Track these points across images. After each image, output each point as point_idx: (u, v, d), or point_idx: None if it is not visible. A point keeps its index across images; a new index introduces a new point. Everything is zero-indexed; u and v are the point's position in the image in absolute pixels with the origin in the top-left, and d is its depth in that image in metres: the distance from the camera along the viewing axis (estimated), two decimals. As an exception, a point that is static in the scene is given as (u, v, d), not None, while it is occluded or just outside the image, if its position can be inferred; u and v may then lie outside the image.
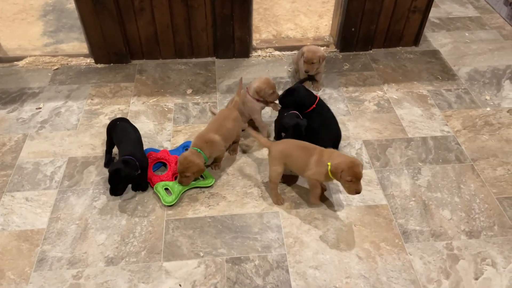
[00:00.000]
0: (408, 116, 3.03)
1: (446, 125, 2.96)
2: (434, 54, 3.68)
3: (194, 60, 3.57)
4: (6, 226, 2.29)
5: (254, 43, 3.67)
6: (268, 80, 2.71)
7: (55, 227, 2.29)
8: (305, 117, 2.63)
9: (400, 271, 2.14)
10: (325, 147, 2.44)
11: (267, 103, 2.78)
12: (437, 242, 2.26)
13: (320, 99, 2.70)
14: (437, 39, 3.88)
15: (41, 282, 2.06)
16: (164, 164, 2.64)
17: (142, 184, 2.46)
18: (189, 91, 3.24)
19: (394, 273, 2.13)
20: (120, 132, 2.50)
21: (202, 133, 2.50)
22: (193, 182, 2.48)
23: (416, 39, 3.72)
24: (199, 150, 2.40)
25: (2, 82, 3.28)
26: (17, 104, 3.08)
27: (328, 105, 2.79)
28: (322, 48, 3.69)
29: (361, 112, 3.06)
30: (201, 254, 2.19)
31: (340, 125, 2.90)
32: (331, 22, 3.84)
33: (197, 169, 2.36)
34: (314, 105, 2.66)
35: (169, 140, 2.83)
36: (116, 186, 2.27)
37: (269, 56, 3.63)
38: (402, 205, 2.44)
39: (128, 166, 2.27)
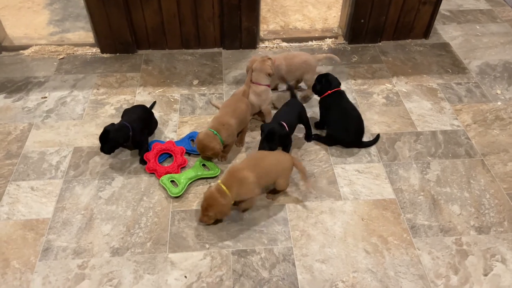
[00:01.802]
0: (418, 110, 2.99)
1: (456, 119, 2.91)
2: (444, 47, 3.62)
3: (200, 50, 3.53)
4: (12, 215, 2.28)
5: (261, 34, 3.62)
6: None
7: (61, 217, 2.28)
8: (324, 106, 2.72)
9: (408, 266, 2.11)
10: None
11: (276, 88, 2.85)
12: (446, 238, 2.22)
13: (341, 91, 2.72)
14: (447, 31, 3.81)
15: (46, 272, 2.05)
16: (170, 156, 2.62)
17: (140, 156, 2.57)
18: (195, 82, 3.20)
19: (402, 268, 2.10)
20: (132, 109, 2.66)
21: (218, 116, 2.53)
22: (198, 173, 2.46)
23: (426, 32, 3.65)
24: (215, 132, 2.41)
25: (8, 71, 3.26)
26: (23, 93, 3.06)
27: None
28: (330, 39, 3.65)
29: (369, 105, 3.02)
30: (207, 246, 2.18)
31: (348, 118, 2.87)
32: (339, 13, 3.79)
33: (214, 151, 2.40)
34: (330, 92, 2.69)
35: (175, 131, 2.80)
36: (103, 145, 2.40)
37: (276, 47, 3.58)
38: (411, 200, 2.41)
39: (119, 131, 2.40)
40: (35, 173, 2.51)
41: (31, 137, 2.72)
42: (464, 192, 2.45)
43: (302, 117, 2.65)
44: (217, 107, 2.93)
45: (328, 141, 2.72)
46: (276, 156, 2.31)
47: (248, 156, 2.39)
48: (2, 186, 2.43)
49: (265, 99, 2.78)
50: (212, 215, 2.16)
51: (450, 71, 3.35)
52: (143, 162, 2.54)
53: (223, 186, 2.13)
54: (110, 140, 2.39)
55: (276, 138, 2.39)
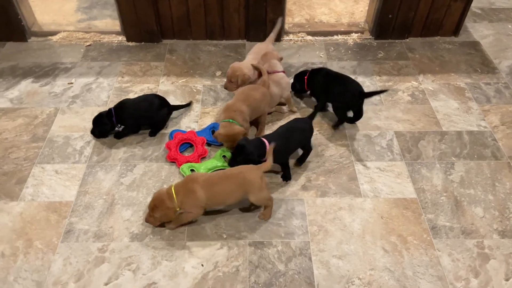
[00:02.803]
0: (444, 109, 2.92)
1: (483, 120, 2.84)
2: (474, 45, 3.52)
3: (224, 42, 3.53)
4: (36, 197, 2.35)
5: (286, 26, 3.59)
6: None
7: (83, 201, 2.33)
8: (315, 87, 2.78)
9: (427, 266, 2.07)
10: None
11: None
12: (467, 240, 2.18)
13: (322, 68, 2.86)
14: (478, 30, 3.70)
15: (67, 253, 2.10)
16: (191, 145, 2.64)
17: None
18: (218, 73, 3.21)
19: (420, 268, 2.07)
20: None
21: (229, 104, 2.54)
22: (218, 164, 2.47)
23: (456, 29, 3.56)
24: (231, 120, 2.43)
25: (36, 56, 3.33)
26: (50, 78, 3.12)
27: None
28: (355, 34, 3.59)
29: (394, 102, 2.97)
30: (224, 236, 2.19)
31: (371, 114, 2.86)
32: (367, 8, 3.72)
33: (239, 135, 2.40)
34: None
35: (197, 122, 2.82)
36: (94, 129, 2.62)
37: (300, 40, 3.55)
38: (433, 200, 2.36)
39: (105, 118, 2.58)
40: (60, 157, 2.56)
41: (57, 121, 2.78)
42: (488, 195, 2.39)
43: (304, 143, 2.48)
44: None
45: (341, 114, 2.71)
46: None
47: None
48: (27, 168, 2.49)
49: (285, 86, 2.79)
50: (158, 217, 2.09)
51: (479, 70, 3.25)
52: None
53: (172, 190, 2.06)
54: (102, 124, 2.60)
55: (240, 157, 2.25)
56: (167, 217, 2.10)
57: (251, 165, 2.17)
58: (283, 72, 2.80)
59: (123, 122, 2.62)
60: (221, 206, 2.24)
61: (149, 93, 2.98)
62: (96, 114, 2.63)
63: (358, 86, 2.65)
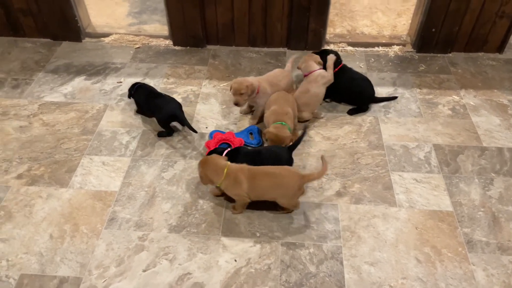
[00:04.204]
0: (485, 125, 2.88)
1: (527, 137, 2.78)
2: (520, 63, 3.45)
3: (265, 49, 3.63)
4: (84, 185, 2.50)
5: (327, 36, 3.65)
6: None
7: (126, 191, 2.46)
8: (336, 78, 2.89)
9: (461, 280, 2.05)
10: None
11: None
12: (503, 256, 2.14)
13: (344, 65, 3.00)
14: (524, 47, 3.63)
15: (110, 239, 2.22)
16: (229, 145, 2.73)
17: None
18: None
19: (453, 281, 2.05)
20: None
21: (275, 109, 2.63)
22: None
23: (501, 46, 3.50)
24: (283, 123, 2.52)
25: (89, 55, 3.55)
26: (101, 76, 3.32)
27: (399, 105, 2.88)
28: (397, 47, 3.60)
29: (433, 115, 2.95)
30: (258, 234, 2.25)
31: (410, 126, 2.86)
32: (410, 21, 3.73)
33: (288, 140, 2.51)
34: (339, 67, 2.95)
35: (235, 124, 2.91)
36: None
37: (341, 50, 3.60)
38: (469, 214, 2.34)
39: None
40: (107, 149, 2.72)
41: (105, 117, 2.95)
42: (528, 213, 2.34)
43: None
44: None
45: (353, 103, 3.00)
46: (279, 171, 2.19)
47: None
48: (77, 158, 2.66)
49: (326, 81, 2.85)
50: (202, 172, 2.20)
51: (524, 88, 3.19)
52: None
53: (225, 171, 2.15)
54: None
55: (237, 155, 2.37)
56: (205, 180, 2.22)
57: (296, 170, 2.23)
58: (320, 68, 2.86)
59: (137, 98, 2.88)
60: (260, 199, 2.29)
61: (191, 94, 3.11)
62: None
63: (372, 89, 2.96)
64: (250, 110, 2.98)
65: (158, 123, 2.77)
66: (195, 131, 2.67)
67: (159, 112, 2.72)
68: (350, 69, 2.99)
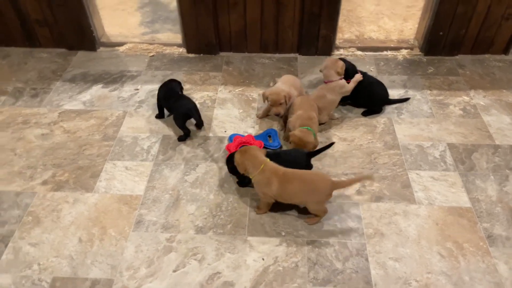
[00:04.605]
0: (496, 124, 2.95)
1: (538, 135, 2.86)
2: (526, 63, 3.54)
3: (277, 55, 3.71)
4: (109, 190, 2.54)
5: (337, 42, 3.73)
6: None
7: (151, 195, 2.51)
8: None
9: (484, 273, 2.11)
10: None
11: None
12: (525, 250, 2.20)
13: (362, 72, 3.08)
14: (529, 48, 3.72)
15: (138, 241, 2.27)
16: (248, 149, 2.79)
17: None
18: (272, 83, 3.37)
19: (477, 274, 2.10)
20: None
21: (301, 114, 2.68)
22: None
23: (507, 48, 3.60)
24: (309, 128, 2.59)
25: (105, 64, 3.62)
26: (118, 84, 3.38)
27: (411, 106, 3.01)
28: (405, 50, 3.69)
29: (445, 116, 3.03)
30: (283, 233, 2.30)
31: (423, 126, 2.94)
32: (416, 25, 3.82)
33: (312, 145, 2.58)
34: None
35: (253, 127, 2.98)
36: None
37: (351, 55, 3.68)
38: (488, 210, 2.40)
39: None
40: (129, 154, 2.77)
41: (125, 123, 3.01)
42: (545, 208, 2.40)
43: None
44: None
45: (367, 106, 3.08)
46: (311, 177, 2.25)
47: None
48: (100, 164, 2.71)
49: (344, 91, 2.91)
50: (238, 159, 2.27)
51: (532, 88, 3.28)
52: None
53: (262, 166, 2.21)
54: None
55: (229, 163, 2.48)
56: (241, 167, 2.27)
57: (327, 177, 2.25)
58: (340, 79, 2.91)
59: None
60: (289, 202, 2.34)
61: (208, 100, 3.18)
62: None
63: (386, 91, 3.07)
64: (267, 114, 3.05)
65: (174, 120, 2.88)
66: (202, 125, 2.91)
67: (176, 110, 2.85)
68: (365, 74, 3.06)
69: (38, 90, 3.32)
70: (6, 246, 2.25)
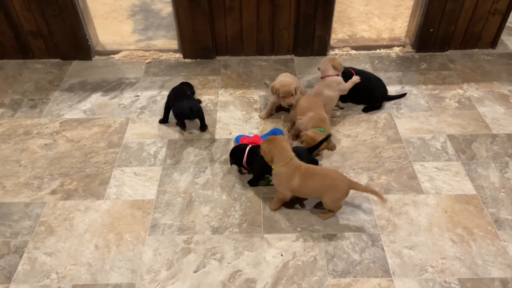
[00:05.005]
0: (491, 114, 3.07)
1: (531, 123, 2.98)
2: (512, 56, 3.70)
3: (273, 57, 3.76)
4: (120, 196, 2.54)
5: (331, 42, 3.81)
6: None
7: (163, 199, 2.51)
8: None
9: (495, 255, 2.19)
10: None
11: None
12: (531, 231, 2.29)
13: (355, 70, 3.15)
14: (514, 42, 3.89)
15: (156, 245, 2.27)
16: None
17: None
18: (269, 82, 3.41)
19: (489, 257, 2.18)
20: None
21: (313, 115, 2.74)
22: None
23: (494, 42, 3.74)
24: (322, 130, 2.66)
25: (102, 72, 3.60)
26: (117, 91, 3.37)
27: (409, 101, 3.14)
28: (397, 48, 3.80)
29: (442, 109, 3.13)
30: (298, 229, 2.34)
31: (423, 119, 3.02)
32: (405, 24, 3.94)
33: (325, 146, 2.69)
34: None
35: (257, 128, 3.01)
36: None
37: (345, 54, 3.77)
38: (492, 196, 2.49)
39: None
40: (136, 160, 2.76)
41: (129, 129, 3.00)
42: (545, 191, 2.51)
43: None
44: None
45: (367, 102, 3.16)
46: (332, 174, 2.29)
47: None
48: (108, 171, 2.69)
49: (341, 88, 2.97)
50: (265, 148, 2.29)
51: (521, 78, 3.42)
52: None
53: (288, 160, 2.24)
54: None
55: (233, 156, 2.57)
56: (268, 156, 2.27)
57: (345, 176, 2.30)
58: (337, 75, 2.98)
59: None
60: (307, 197, 2.39)
61: (209, 103, 3.21)
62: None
63: (385, 87, 3.15)
64: (271, 114, 3.09)
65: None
66: (205, 128, 2.97)
67: (175, 108, 2.93)
68: (363, 71, 3.14)
69: (37, 100, 3.28)
70: (21, 257, 2.21)
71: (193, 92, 3.14)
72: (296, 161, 2.28)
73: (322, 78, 3.01)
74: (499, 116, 3.05)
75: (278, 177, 2.29)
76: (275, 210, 2.42)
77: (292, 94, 2.86)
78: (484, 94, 3.27)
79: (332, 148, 2.81)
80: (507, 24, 4.07)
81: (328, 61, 2.99)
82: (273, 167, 2.30)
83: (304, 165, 2.28)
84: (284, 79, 2.96)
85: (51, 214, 2.43)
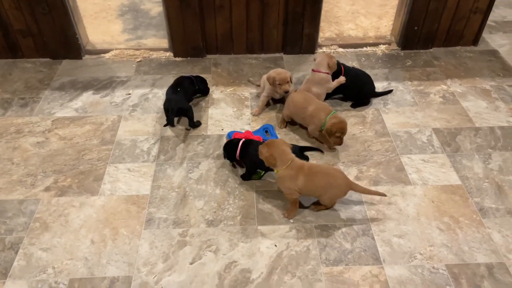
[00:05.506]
0: (474, 108, 3.18)
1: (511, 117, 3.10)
2: (493, 53, 3.82)
3: (263, 55, 3.82)
4: (114, 192, 2.56)
5: (319, 40, 3.89)
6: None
7: (158, 194, 2.54)
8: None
9: (481, 242, 2.28)
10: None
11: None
12: (513, 219, 2.39)
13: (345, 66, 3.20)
14: (494, 40, 4.02)
15: (152, 238, 2.30)
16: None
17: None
18: (256, 79, 3.47)
19: (475, 244, 2.27)
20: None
21: (317, 107, 2.83)
22: None
23: (476, 39, 3.87)
24: (334, 111, 2.81)
25: (92, 71, 3.61)
26: (109, 90, 3.39)
27: (396, 97, 3.23)
28: (383, 46, 3.90)
29: (427, 104, 3.23)
30: (291, 221, 2.39)
31: (409, 114, 3.11)
32: (391, 22, 4.05)
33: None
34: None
35: (249, 124, 3.07)
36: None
37: (333, 52, 3.85)
38: (477, 186, 2.59)
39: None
40: (130, 157, 2.79)
41: (122, 127, 3.03)
42: (526, 180, 2.62)
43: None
44: (255, 84, 3.42)
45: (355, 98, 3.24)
46: (333, 172, 2.34)
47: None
48: (102, 168, 2.71)
49: (328, 87, 3.05)
50: (265, 151, 2.30)
51: (502, 74, 3.54)
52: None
53: (289, 162, 2.26)
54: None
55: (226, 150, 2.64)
56: (271, 161, 2.28)
57: (346, 177, 2.35)
58: (327, 73, 3.05)
59: None
60: (309, 196, 2.42)
61: (201, 101, 3.25)
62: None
63: (373, 84, 3.24)
64: (264, 108, 3.15)
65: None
66: (194, 126, 3.00)
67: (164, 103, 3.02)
68: (351, 68, 3.22)
69: (27, 99, 3.28)
70: (16, 252, 2.23)
71: (193, 87, 3.18)
72: (298, 161, 2.31)
73: (313, 70, 3.06)
74: (482, 110, 3.16)
75: (283, 180, 2.30)
76: (294, 217, 2.41)
77: (287, 82, 2.97)
78: (467, 89, 3.38)
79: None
80: (488, 22, 4.22)
81: (325, 57, 3.03)
82: (275, 171, 2.32)
83: (306, 164, 2.32)
84: (278, 69, 3.06)
85: (46, 210, 2.45)
